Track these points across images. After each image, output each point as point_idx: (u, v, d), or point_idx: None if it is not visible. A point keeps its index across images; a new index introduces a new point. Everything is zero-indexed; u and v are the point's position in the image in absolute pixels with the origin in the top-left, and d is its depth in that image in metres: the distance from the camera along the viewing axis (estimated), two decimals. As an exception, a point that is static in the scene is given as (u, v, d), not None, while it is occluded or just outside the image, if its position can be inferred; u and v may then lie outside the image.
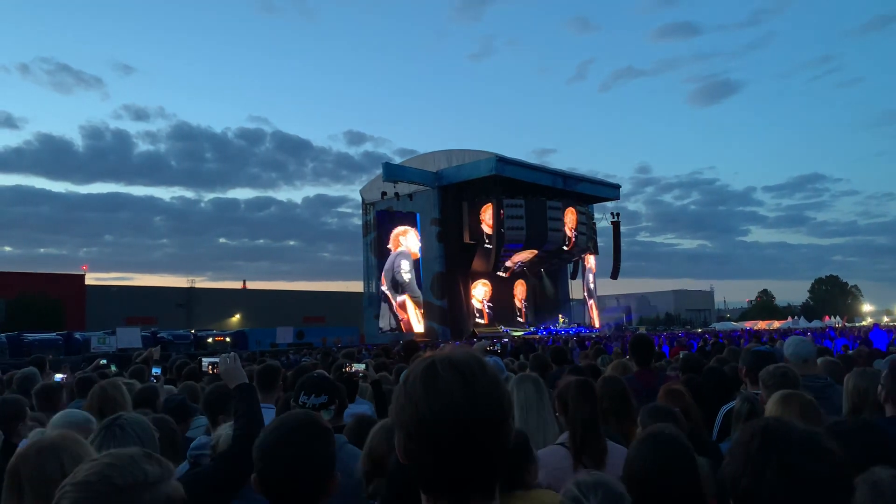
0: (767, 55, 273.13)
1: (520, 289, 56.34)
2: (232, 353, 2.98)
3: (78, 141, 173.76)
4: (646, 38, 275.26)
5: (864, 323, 59.69)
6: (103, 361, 7.80)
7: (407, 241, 46.84)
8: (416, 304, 46.78)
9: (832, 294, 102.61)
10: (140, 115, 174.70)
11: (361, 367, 4.82)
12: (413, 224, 47.33)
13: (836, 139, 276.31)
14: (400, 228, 46.93)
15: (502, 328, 47.37)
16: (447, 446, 1.05)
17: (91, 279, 66.31)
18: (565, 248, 51.53)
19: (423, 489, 1.11)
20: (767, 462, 1.28)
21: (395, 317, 46.69)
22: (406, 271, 46.66)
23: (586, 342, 19.09)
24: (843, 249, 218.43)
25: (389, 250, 46.28)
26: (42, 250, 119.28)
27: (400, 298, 46.54)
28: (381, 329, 46.32)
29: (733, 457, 1.34)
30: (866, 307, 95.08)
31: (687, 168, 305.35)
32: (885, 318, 73.81)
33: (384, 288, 46.63)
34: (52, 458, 1.89)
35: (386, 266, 46.70)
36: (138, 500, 1.31)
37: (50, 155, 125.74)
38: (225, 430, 3.15)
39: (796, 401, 2.82)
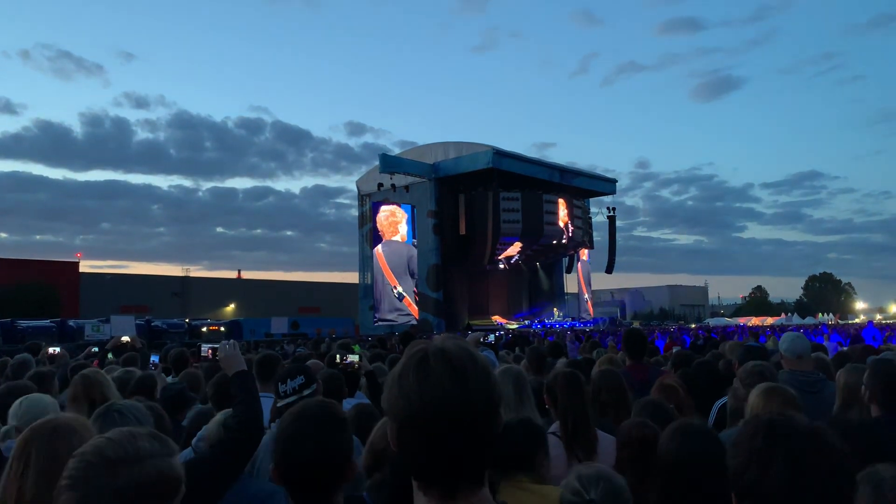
0: (770, 51, 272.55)
1: (515, 282, 56.46)
2: (232, 341, 2.98)
3: (77, 128, 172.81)
4: (650, 32, 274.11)
5: (857, 320, 60.01)
6: (95, 349, 7.77)
7: (402, 229, 46.43)
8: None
9: (826, 291, 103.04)
10: (140, 102, 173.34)
11: (355, 358, 4.78)
12: (405, 213, 46.84)
13: (835, 137, 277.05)
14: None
15: (497, 321, 47.48)
16: (438, 436, 1.08)
17: (86, 267, 66.18)
18: (563, 241, 51.65)
19: (414, 477, 1.14)
20: (773, 456, 1.28)
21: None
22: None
23: (581, 336, 19.13)
24: (838, 247, 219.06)
25: (381, 236, 45.63)
26: (38, 237, 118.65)
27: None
28: (384, 320, 45.70)
29: (737, 451, 1.34)
30: (859, 304, 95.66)
31: (686, 164, 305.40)
32: (878, 316, 74.19)
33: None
34: (66, 438, 1.89)
35: (394, 261, 45.75)
36: (127, 473, 1.35)
37: (48, 141, 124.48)
38: (218, 418, 3.14)
39: (779, 394, 2.86)
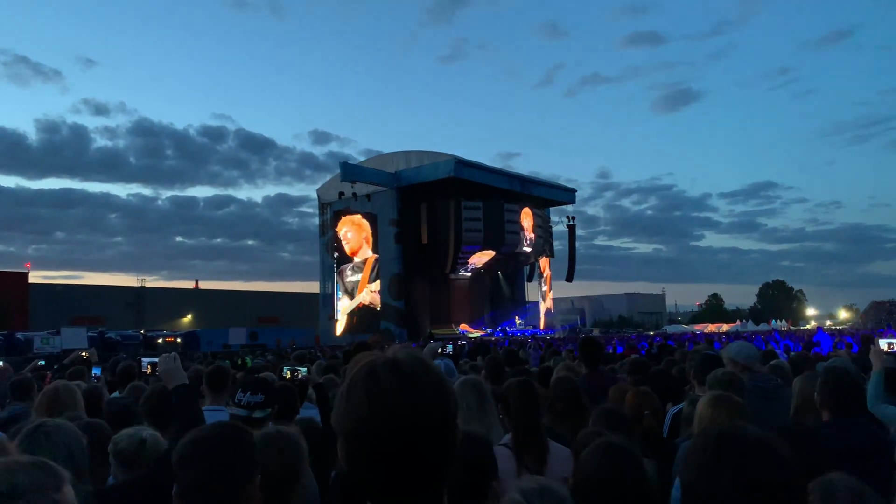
0: (728, 65, 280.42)
1: (477, 290, 56.58)
2: (172, 354, 2.85)
3: (32, 134, 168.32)
4: (613, 45, 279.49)
5: (807, 326, 61.72)
6: (41, 363, 7.47)
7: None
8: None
9: (778, 298, 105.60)
10: (100, 109, 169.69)
11: (303, 370, 4.64)
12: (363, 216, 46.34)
13: (790, 148, 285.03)
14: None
15: (459, 329, 47.48)
16: (390, 452, 1.02)
17: (38, 277, 64.21)
18: (527, 249, 52.03)
19: (367, 496, 1.07)
20: (722, 469, 1.26)
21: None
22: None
23: (542, 344, 19.21)
24: (791, 255, 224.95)
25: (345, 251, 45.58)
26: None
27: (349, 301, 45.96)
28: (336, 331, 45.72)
29: (688, 464, 1.32)
30: (810, 311, 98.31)
31: (646, 174, 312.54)
32: (828, 322, 76.48)
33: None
34: None
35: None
36: None
37: (1, 148, 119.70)
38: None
39: (726, 403, 2.88)
